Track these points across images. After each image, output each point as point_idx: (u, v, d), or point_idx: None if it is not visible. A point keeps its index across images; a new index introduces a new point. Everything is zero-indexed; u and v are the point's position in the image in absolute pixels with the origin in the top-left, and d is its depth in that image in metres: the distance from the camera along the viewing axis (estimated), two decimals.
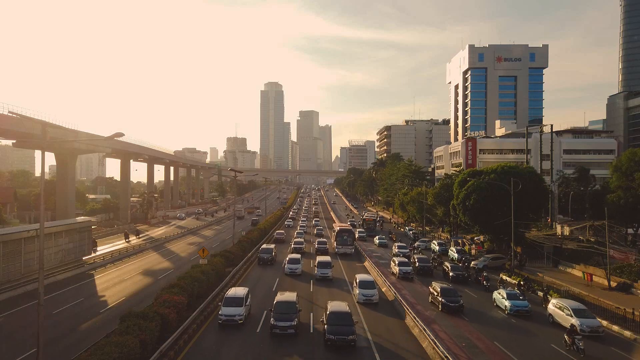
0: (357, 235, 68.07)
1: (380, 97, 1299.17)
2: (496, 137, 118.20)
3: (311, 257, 50.70)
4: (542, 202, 55.08)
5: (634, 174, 48.32)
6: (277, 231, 72.72)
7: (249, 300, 28.81)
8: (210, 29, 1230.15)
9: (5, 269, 34.12)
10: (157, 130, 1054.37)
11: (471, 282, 41.45)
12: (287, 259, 43.80)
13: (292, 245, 56.56)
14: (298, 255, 44.70)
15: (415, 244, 63.71)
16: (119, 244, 62.98)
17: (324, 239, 60.93)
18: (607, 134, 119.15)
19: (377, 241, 66.84)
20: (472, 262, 49.19)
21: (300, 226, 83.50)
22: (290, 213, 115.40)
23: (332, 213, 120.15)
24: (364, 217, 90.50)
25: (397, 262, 43.21)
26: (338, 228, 60.01)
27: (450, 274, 41.52)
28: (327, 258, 43.17)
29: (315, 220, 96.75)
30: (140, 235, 72.29)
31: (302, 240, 59.87)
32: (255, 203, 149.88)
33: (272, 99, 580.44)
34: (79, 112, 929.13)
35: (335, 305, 25.94)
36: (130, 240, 66.50)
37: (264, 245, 52.80)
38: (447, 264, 44.20)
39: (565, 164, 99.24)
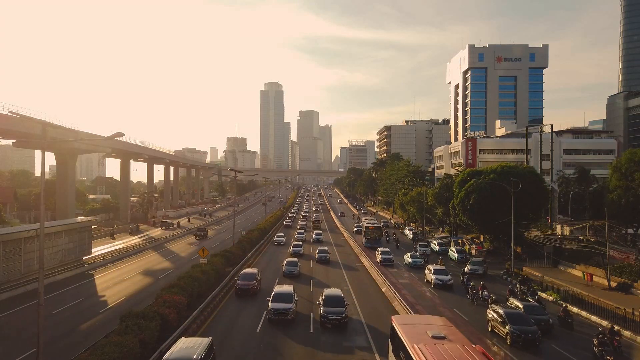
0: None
1: (380, 97, 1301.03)
2: (496, 137, 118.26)
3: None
4: (542, 202, 55.10)
5: (633, 174, 48.31)
6: (244, 272, 35.83)
7: None
8: (210, 29, 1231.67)
9: (5, 269, 34.13)
10: (157, 130, 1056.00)
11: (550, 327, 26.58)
12: None
13: (271, 306, 27.08)
14: None
15: (418, 248, 56.52)
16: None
17: (337, 293, 28.80)
18: (607, 134, 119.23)
19: (410, 260, 48.57)
20: (467, 268, 44.04)
21: (295, 245, 55.98)
22: (285, 221, 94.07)
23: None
24: (366, 224, 66.19)
25: None
26: (420, 350, 14.89)
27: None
28: None
29: (316, 234, 70.36)
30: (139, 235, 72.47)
31: (291, 291, 28.94)
32: (271, 193, 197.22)
33: (272, 99, 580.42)
34: (79, 112, 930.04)
35: None
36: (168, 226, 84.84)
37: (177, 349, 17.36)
38: (517, 303, 28.25)
39: (565, 164, 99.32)
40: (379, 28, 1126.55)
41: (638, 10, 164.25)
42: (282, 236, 67.99)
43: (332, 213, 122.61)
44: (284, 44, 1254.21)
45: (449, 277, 38.70)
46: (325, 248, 53.95)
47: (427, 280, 40.12)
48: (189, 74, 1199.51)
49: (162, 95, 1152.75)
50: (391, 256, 49.12)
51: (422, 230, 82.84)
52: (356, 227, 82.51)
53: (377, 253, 51.12)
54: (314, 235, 70.10)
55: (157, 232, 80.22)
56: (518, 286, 35.29)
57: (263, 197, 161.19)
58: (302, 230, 75.52)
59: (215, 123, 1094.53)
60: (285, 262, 43.17)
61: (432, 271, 39.68)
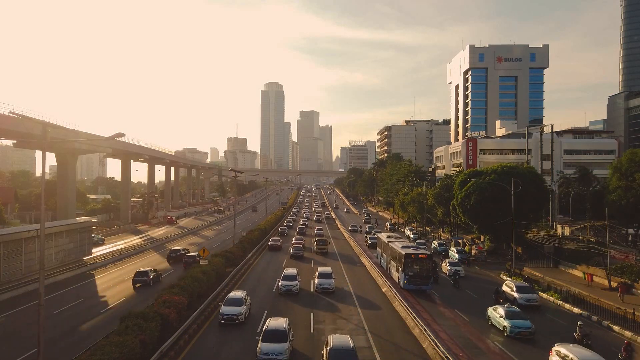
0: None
1: (380, 97, 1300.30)
2: (497, 137, 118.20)
3: None
4: (543, 202, 55.09)
5: (634, 174, 48.27)
6: None
7: None
8: (210, 29, 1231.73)
9: (6, 269, 34.19)
10: (157, 130, 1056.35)
11: None
12: None
13: None
14: None
15: (449, 267, 44.19)
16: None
17: None
18: (608, 134, 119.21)
19: (508, 325, 25.66)
20: (514, 294, 32.96)
21: (268, 331, 21.57)
22: (271, 240, 62.30)
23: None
24: (401, 248, 38.12)
25: None
26: None
27: None
28: None
29: (321, 277, 36.37)
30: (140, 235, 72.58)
31: None
32: (276, 191, 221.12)
33: (272, 99, 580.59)
34: (79, 112, 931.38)
35: None
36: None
37: None
38: None
39: (566, 164, 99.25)
40: (379, 28, 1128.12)
41: (638, 10, 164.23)
42: (237, 302, 27.44)
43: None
44: (284, 44, 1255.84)
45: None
46: (349, 344, 20.13)
47: None
48: (189, 74, 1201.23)
49: (162, 95, 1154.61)
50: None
51: (423, 230, 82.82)
52: (370, 239, 63.21)
53: None
54: (317, 279, 36.49)
55: (163, 229, 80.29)
56: None
57: (277, 191, 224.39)
58: (295, 271, 37.32)
59: (216, 123, 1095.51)
60: None
61: None
